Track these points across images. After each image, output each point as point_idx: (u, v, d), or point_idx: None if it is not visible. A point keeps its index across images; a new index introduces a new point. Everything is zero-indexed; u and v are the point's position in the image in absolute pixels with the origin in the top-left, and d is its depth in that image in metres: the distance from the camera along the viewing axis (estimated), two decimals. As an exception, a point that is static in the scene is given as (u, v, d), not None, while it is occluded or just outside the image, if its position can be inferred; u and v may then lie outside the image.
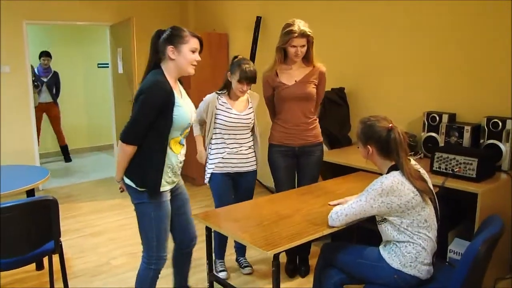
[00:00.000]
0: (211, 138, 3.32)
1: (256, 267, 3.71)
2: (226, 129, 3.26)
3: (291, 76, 3.29)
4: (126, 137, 2.47)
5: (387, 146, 2.28)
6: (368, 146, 2.33)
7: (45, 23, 6.22)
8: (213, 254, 3.48)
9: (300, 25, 3.12)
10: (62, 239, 3.00)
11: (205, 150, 3.39)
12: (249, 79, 3.15)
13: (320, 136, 3.46)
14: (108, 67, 6.88)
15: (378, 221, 2.36)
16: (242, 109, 3.29)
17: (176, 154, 2.59)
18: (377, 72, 4.40)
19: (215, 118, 3.26)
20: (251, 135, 3.42)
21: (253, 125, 3.40)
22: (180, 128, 2.54)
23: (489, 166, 3.24)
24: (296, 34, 3.10)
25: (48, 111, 7.28)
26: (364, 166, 3.56)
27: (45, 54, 7.05)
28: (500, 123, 3.34)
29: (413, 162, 2.37)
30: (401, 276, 2.27)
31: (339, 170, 3.69)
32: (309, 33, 3.14)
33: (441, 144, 3.65)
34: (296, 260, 3.63)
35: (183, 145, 2.65)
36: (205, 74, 5.71)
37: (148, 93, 2.40)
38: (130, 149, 2.47)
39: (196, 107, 2.92)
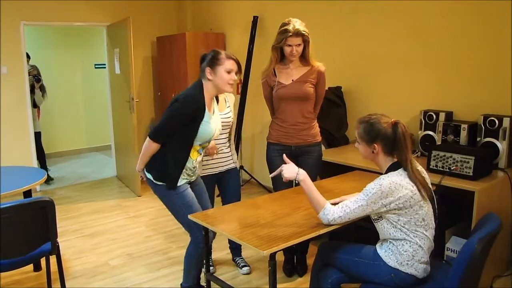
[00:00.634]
0: None
1: (253, 266, 3.71)
2: None
3: (289, 75, 3.30)
4: (153, 135, 2.78)
5: (394, 142, 2.26)
6: (374, 145, 2.30)
7: (42, 24, 6.21)
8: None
9: (296, 24, 3.12)
10: (60, 240, 3.01)
11: None
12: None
13: (319, 136, 3.46)
14: (105, 67, 6.88)
15: (374, 219, 2.36)
16: (221, 109, 3.28)
17: (192, 160, 2.86)
18: (374, 71, 4.41)
19: None
20: (228, 135, 3.44)
21: (231, 125, 3.41)
22: (202, 140, 2.82)
23: (486, 164, 3.24)
24: (291, 33, 3.10)
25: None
26: (361, 165, 3.56)
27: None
28: (497, 121, 3.34)
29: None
30: (398, 275, 2.27)
31: (337, 169, 3.69)
32: (303, 32, 3.13)
33: (438, 142, 3.65)
34: (293, 260, 3.62)
35: (201, 154, 2.93)
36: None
37: (182, 103, 2.69)
38: (154, 146, 2.79)
39: None
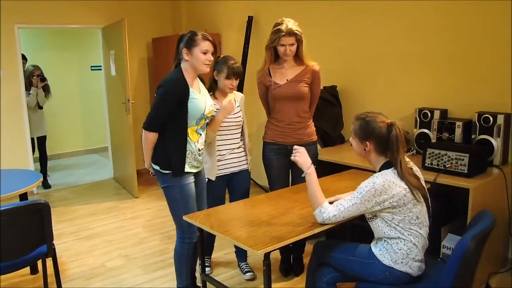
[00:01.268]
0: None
1: (252, 266, 3.72)
2: (218, 131, 3.25)
3: (283, 75, 3.30)
4: (147, 125, 2.83)
5: (386, 143, 2.27)
6: (367, 142, 2.31)
7: (36, 27, 6.21)
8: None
9: (289, 24, 3.13)
10: (57, 242, 3.01)
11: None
12: (236, 74, 3.19)
13: (314, 136, 3.46)
14: (101, 69, 6.87)
15: (369, 218, 2.36)
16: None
17: (194, 142, 2.90)
18: (369, 69, 4.41)
19: None
20: (241, 135, 3.42)
21: (243, 123, 3.40)
22: (195, 118, 2.85)
23: (480, 161, 3.25)
24: (284, 33, 3.11)
25: None
26: (357, 164, 3.57)
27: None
28: (491, 118, 3.35)
29: (406, 159, 2.37)
30: (393, 273, 2.27)
31: (332, 168, 3.69)
32: (296, 31, 3.14)
33: (433, 140, 3.66)
34: (290, 259, 3.63)
35: (201, 134, 2.96)
36: (202, 76, 5.70)
37: (166, 87, 2.77)
38: (152, 136, 2.84)
39: None
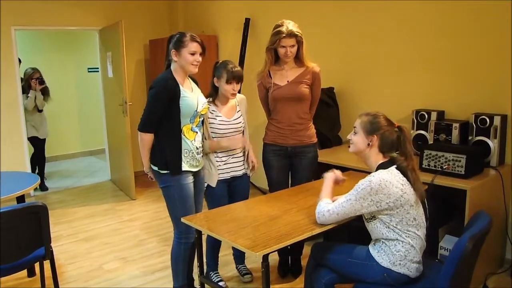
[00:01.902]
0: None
1: (249, 267, 3.72)
2: (218, 137, 3.21)
3: (284, 76, 3.30)
4: (142, 126, 2.87)
5: (391, 142, 2.33)
6: (373, 137, 2.34)
7: (33, 29, 6.20)
8: (205, 266, 3.45)
9: (289, 25, 3.14)
10: (54, 244, 3.00)
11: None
12: (237, 77, 3.14)
13: (314, 137, 3.46)
14: (98, 71, 6.86)
15: (367, 219, 2.37)
16: (231, 115, 3.24)
17: (190, 140, 2.92)
18: (366, 71, 4.42)
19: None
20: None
21: (244, 128, 3.37)
22: (188, 116, 2.88)
23: (477, 162, 3.26)
24: (284, 34, 3.11)
25: None
26: (354, 165, 3.57)
27: None
28: (488, 120, 3.36)
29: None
30: (391, 275, 2.28)
31: (329, 169, 3.69)
32: (297, 33, 3.14)
33: (430, 141, 3.67)
34: (288, 261, 3.63)
35: (197, 132, 2.98)
36: (195, 76, 5.70)
37: (157, 87, 2.82)
38: (148, 137, 2.88)
39: None
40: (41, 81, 6.01)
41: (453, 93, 3.76)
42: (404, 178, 2.28)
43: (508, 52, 3.39)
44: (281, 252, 3.57)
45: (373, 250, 2.37)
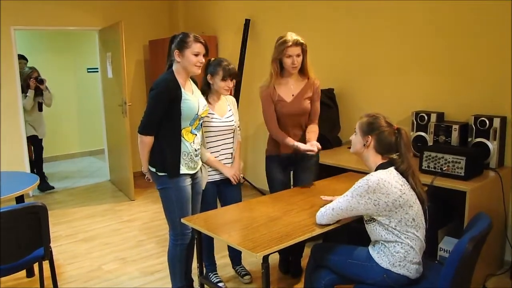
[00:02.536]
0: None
1: (248, 268, 3.72)
2: (209, 135, 3.21)
3: (289, 90, 3.27)
4: (142, 129, 2.83)
5: (388, 144, 2.33)
6: (368, 137, 2.35)
7: (33, 29, 6.20)
8: (204, 267, 3.46)
9: (293, 35, 3.14)
10: (54, 245, 3.00)
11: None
12: (232, 75, 3.16)
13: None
14: (97, 71, 6.86)
15: (366, 221, 2.37)
16: (223, 113, 3.25)
17: (189, 142, 2.90)
18: (366, 72, 4.43)
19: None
20: (233, 139, 3.35)
21: (235, 128, 3.34)
22: (189, 119, 2.85)
23: (477, 164, 3.27)
24: (290, 43, 3.10)
25: None
26: (354, 166, 3.57)
27: (21, 57, 6.44)
28: (488, 122, 3.37)
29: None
30: (391, 276, 2.28)
31: (330, 171, 3.70)
32: (302, 41, 3.14)
33: (430, 143, 3.67)
34: (289, 259, 3.63)
35: (196, 134, 2.96)
36: (194, 77, 5.71)
37: (158, 88, 2.78)
38: (148, 140, 2.84)
39: None
40: (40, 80, 6.00)
41: (452, 94, 3.76)
42: (404, 179, 2.29)
43: (507, 54, 3.40)
44: (282, 251, 3.56)
45: (372, 251, 2.37)
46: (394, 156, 2.35)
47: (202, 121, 3.02)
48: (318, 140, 3.26)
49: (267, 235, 2.31)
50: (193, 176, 3.02)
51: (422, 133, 3.74)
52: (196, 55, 2.81)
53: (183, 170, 2.89)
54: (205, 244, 3.38)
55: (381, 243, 2.33)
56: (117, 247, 4.30)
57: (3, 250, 2.65)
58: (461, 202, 3.05)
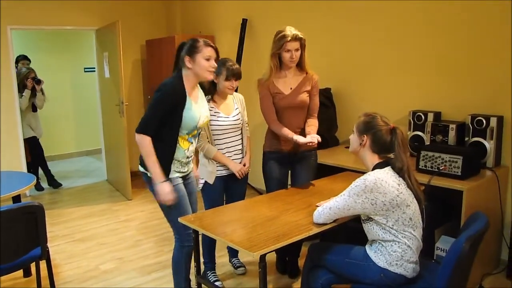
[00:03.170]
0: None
1: (249, 267, 3.72)
2: (217, 134, 3.24)
3: (287, 84, 3.28)
4: (140, 128, 2.72)
5: (383, 143, 2.33)
6: (364, 136, 2.36)
7: (29, 28, 6.18)
8: (204, 264, 3.48)
9: (292, 29, 3.14)
10: (51, 245, 2.99)
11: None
12: (236, 75, 3.18)
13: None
14: (94, 71, 6.85)
15: (363, 220, 2.37)
16: (229, 112, 3.28)
17: (184, 149, 2.84)
18: (363, 72, 4.43)
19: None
20: (241, 136, 3.39)
21: (242, 125, 3.38)
22: (188, 128, 2.79)
23: (474, 163, 3.27)
24: (290, 38, 3.10)
25: None
26: (351, 166, 3.58)
27: (23, 58, 6.57)
28: (484, 121, 3.38)
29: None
30: (387, 275, 2.28)
31: (327, 170, 3.70)
32: (301, 36, 3.15)
33: (427, 142, 3.68)
34: (285, 258, 3.63)
35: (192, 142, 2.90)
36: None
37: (163, 92, 2.71)
38: (146, 140, 2.71)
39: None
40: (37, 80, 5.99)
41: (449, 94, 3.77)
42: (400, 178, 2.29)
43: (504, 54, 3.41)
44: (278, 249, 3.56)
45: (370, 250, 2.37)
46: (391, 155, 2.36)
47: (200, 130, 2.99)
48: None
49: (264, 234, 2.31)
50: (185, 177, 2.98)
51: (419, 133, 3.75)
52: (208, 59, 2.74)
53: (173, 173, 2.84)
54: (207, 241, 3.41)
55: (378, 242, 2.33)
56: (114, 247, 4.30)
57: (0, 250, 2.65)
58: (458, 202, 3.05)
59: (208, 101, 3.22)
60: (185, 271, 3.02)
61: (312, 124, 3.31)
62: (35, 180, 3.68)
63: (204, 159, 3.26)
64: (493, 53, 3.47)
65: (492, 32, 3.46)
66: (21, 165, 6.00)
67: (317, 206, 2.65)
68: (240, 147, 3.38)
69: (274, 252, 3.60)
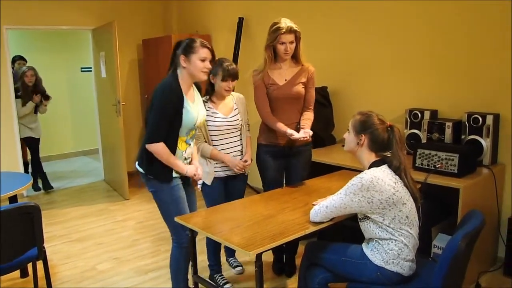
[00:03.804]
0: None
1: (246, 267, 3.72)
2: (215, 134, 3.22)
3: (282, 75, 3.27)
4: (151, 139, 2.71)
5: (381, 142, 2.33)
6: (362, 135, 2.35)
7: (26, 28, 6.17)
8: (209, 268, 3.50)
9: (287, 22, 3.13)
10: (48, 245, 2.98)
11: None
12: (232, 75, 3.15)
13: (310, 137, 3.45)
14: (91, 71, 6.84)
15: (360, 218, 2.37)
16: (228, 112, 3.25)
17: (182, 151, 2.84)
18: (360, 70, 4.43)
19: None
20: (240, 137, 3.36)
21: (241, 126, 3.35)
22: (186, 128, 2.80)
23: (470, 161, 3.28)
24: (284, 30, 3.09)
25: None
26: (347, 164, 3.58)
27: (20, 58, 6.58)
28: (481, 119, 3.38)
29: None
30: (384, 273, 2.28)
31: (323, 168, 3.70)
32: (296, 29, 3.14)
33: (424, 140, 3.69)
34: (282, 259, 3.63)
35: (190, 144, 2.91)
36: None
37: (162, 99, 2.70)
38: (160, 146, 2.71)
39: None
40: (46, 96, 6.08)
41: (446, 92, 3.77)
42: (397, 176, 2.29)
43: (501, 52, 3.41)
44: (276, 250, 3.57)
45: (366, 248, 2.38)
46: (388, 153, 2.36)
47: (197, 131, 2.98)
48: (313, 138, 3.25)
49: (260, 233, 2.31)
50: (184, 178, 2.96)
51: (416, 131, 3.76)
52: (203, 60, 2.73)
53: (174, 174, 2.84)
54: (212, 244, 3.40)
55: (375, 240, 2.34)
56: (111, 247, 4.29)
57: (-4, 251, 2.65)
58: (454, 199, 3.06)
59: (206, 101, 3.20)
60: (184, 270, 3.02)
61: (307, 118, 3.30)
62: (32, 180, 3.67)
63: (201, 159, 3.24)
64: (489, 52, 3.48)
65: (488, 31, 3.46)
66: (18, 165, 5.98)
67: (314, 204, 2.65)
68: (239, 148, 3.34)
69: (271, 252, 3.64)
